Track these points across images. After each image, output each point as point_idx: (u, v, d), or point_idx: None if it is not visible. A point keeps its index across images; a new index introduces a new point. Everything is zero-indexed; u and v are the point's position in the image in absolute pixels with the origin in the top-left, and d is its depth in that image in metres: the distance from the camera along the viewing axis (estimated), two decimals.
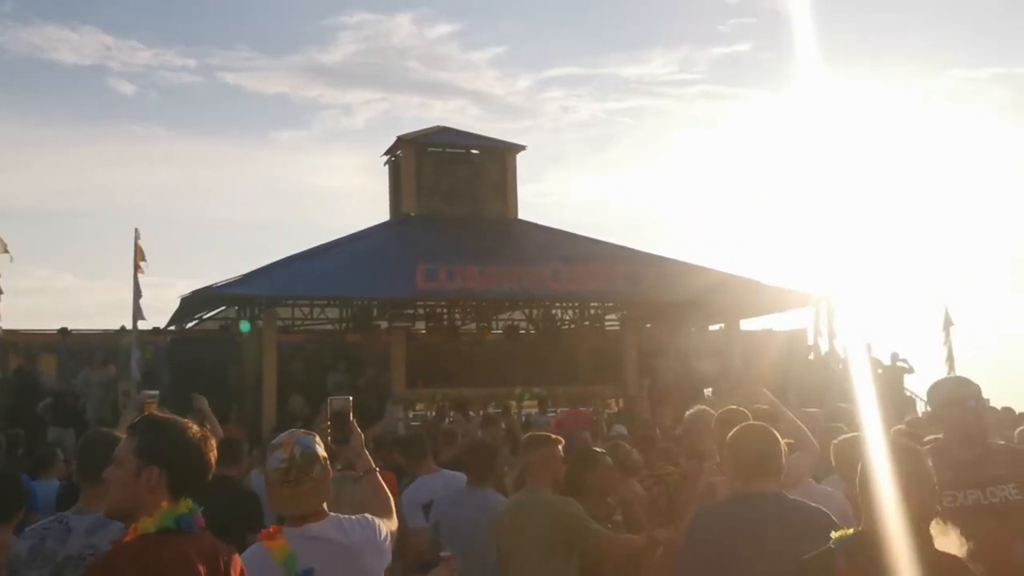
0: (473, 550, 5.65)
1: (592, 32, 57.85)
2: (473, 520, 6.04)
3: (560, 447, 5.65)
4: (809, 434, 5.74)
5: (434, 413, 18.08)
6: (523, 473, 5.81)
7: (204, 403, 7.90)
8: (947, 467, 4.67)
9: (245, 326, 19.90)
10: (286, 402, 17.96)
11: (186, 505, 2.98)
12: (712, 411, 5.98)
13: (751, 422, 4.54)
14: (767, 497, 3.98)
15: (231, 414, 17.29)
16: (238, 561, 3.13)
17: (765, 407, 5.76)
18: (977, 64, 56.97)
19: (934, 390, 4.97)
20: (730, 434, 4.25)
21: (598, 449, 6.29)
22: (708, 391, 19.60)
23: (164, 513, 2.92)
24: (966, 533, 4.20)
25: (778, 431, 4.35)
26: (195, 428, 3.14)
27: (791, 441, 4.84)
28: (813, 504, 4.07)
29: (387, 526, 3.80)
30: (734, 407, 5.51)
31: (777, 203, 51.05)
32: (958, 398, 4.75)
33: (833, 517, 3.94)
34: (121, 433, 4.69)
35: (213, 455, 3.11)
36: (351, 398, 4.16)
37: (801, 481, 5.36)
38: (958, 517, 4.51)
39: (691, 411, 6.44)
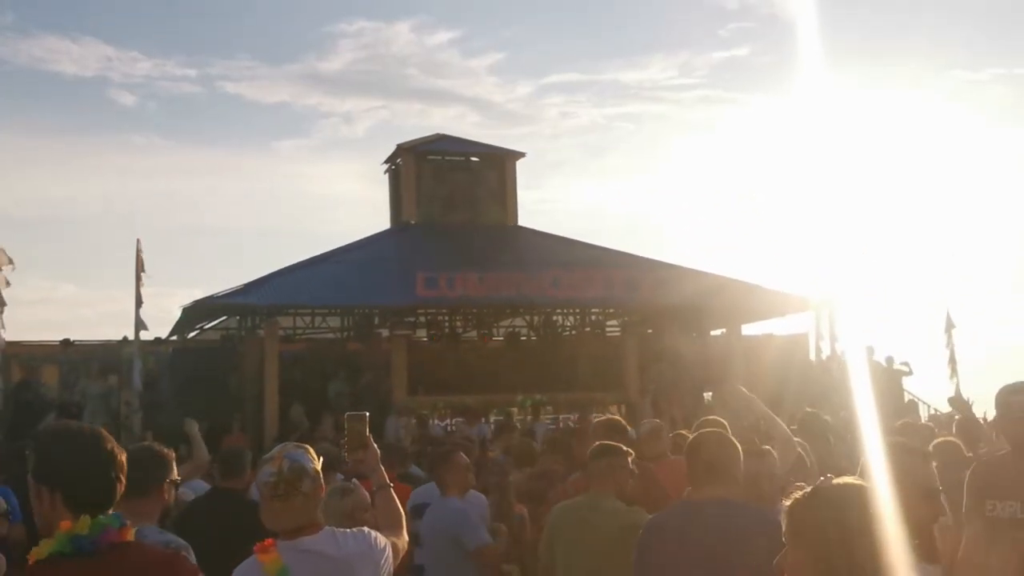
0: None
1: (591, 38, 58.00)
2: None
3: (630, 459, 5.63)
4: (787, 431, 5.80)
5: (415, 421, 17.66)
6: (591, 480, 5.77)
7: (194, 427, 7.95)
8: (1000, 476, 4.70)
9: None
10: (287, 412, 18.00)
11: (84, 524, 2.71)
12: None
13: (708, 430, 4.58)
14: (714, 503, 4.00)
15: (234, 424, 17.35)
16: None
17: (756, 421, 5.79)
18: (978, 65, 57.02)
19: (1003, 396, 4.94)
20: (688, 440, 4.31)
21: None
22: (708, 395, 19.60)
23: (59, 536, 2.70)
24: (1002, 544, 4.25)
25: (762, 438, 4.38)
26: (97, 437, 2.86)
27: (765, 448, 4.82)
28: (758, 508, 4.03)
29: (390, 540, 3.80)
30: (710, 418, 5.56)
31: (778, 207, 51.11)
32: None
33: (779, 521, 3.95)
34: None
35: (120, 466, 2.83)
36: (367, 413, 4.21)
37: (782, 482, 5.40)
38: (996, 528, 4.55)
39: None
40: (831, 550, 2.22)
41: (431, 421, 18.09)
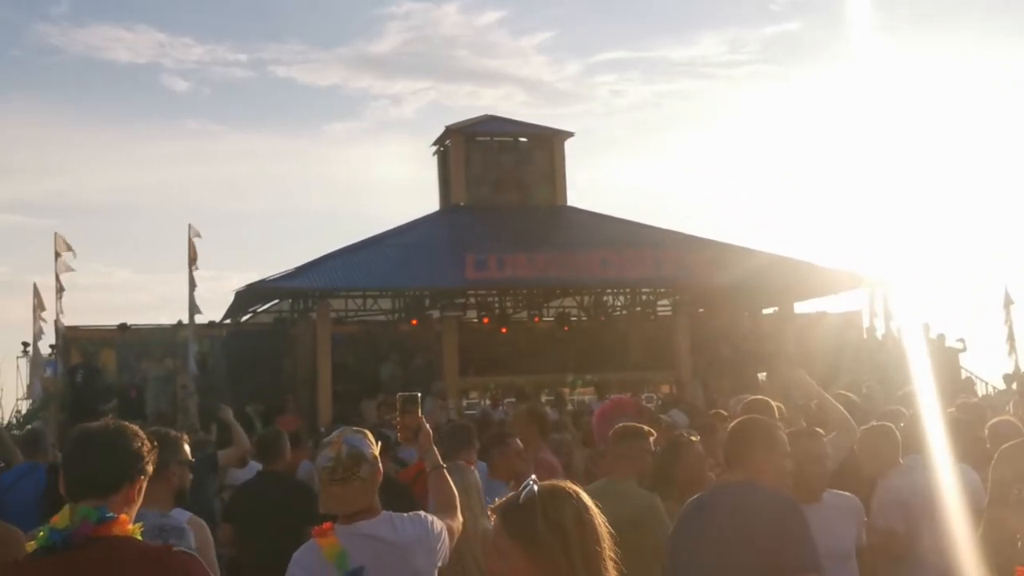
0: None
1: (641, 15, 57.47)
2: None
3: (652, 440, 5.59)
4: (848, 416, 5.73)
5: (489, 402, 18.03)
6: (610, 463, 5.75)
7: (228, 414, 8.03)
8: None
9: None
10: (356, 404, 17.94)
11: (64, 517, 2.66)
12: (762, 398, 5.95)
13: (748, 416, 4.53)
14: (735, 486, 3.99)
15: (288, 405, 17.54)
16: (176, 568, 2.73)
17: (808, 403, 5.74)
18: None
19: None
20: (731, 425, 4.31)
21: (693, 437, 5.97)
22: (762, 375, 19.45)
23: (46, 529, 2.66)
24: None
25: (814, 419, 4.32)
26: (95, 426, 2.84)
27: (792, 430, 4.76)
28: (771, 490, 3.97)
29: (446, 523, 3.81)
30: (758, 398, 5.50)
31: (830, 183, 50.44)
32: None
33: (791, 502, 3.90)
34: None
35: (97, 454, 2.75)
36: (420, 394, 4.22)
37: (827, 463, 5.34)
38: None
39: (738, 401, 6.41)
40: (550, 554, 2.22)
41: (484, 403, 18.16)
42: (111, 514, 2.67)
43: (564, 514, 2.28)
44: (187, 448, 4.46)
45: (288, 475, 7.06)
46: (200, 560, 2.85)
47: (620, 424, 5.94)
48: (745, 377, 18.69)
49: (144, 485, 2.85)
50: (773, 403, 5.71)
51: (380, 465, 3.68)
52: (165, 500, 4.20)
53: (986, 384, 21.25)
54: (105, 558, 2.63)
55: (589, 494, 5.12)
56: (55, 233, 17.03)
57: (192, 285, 16.88)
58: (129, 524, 2.72)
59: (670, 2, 57.98)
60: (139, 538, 2.73)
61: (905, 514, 5.35)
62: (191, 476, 4.53)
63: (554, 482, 2.39)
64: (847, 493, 4.91)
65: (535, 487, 2.35)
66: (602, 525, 2.35)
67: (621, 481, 5.42)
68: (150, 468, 2.85)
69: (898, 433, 5.78)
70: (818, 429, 5.07)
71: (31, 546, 2.67)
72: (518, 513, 2.31)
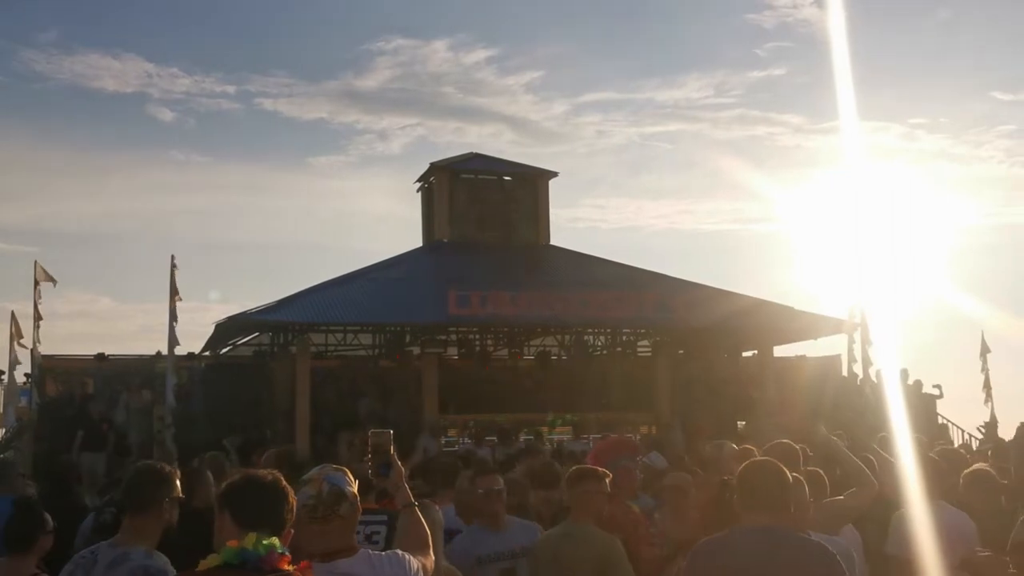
0: None
1: (628, 57, 58.05)
2: None
3: (607, 481, 5.60)
4: (867, 472, 5.68)
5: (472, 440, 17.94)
6: (568, 506, 5.73)
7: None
8: None
9: None
10: (332, 437, 17.84)
11: (251, 540, 2.99)
12: (733, 445, 5.96)
13: (762, 457, 4.52)
14: (771, 530, 3.96)
15: (267, 438, 17.41)
16: None
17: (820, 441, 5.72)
18: (1017, 87, 56.52)
19: None
20: (740, 468, 4.25)
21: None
22: (741, 424, 19.50)
23: (234, 548, 2.97)
24: None
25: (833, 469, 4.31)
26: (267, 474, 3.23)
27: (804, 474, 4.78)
28: (806, 538, 4.04)
29: (420, 562, 3.78)
30: (783, 442, 5.48)
31: (814, 228, 50.74)
32: None
33: (830, 549, 3.94)
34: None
35: (270, 498, 3.15)
36: (392, 431, 4.19)
37: (845, 518, 5.36)
38: None
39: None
40: None
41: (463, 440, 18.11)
42: (284, 550, 3.00)
43: None
44: (178, 484, 4.47)
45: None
46: None
47: (576, 467, 5.97)
48: (724, 421, 18.72)
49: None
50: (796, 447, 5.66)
51: (359, 503, 3.67)
52: (154, 535, 4.19)
53: (962, 432, 21.37)
54: None
55: (551, 537, 5.10)
56: (35, 262, 16.99)
57: (172, 316, 16.82)
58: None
59: (657, 45, 58.59)
60: None
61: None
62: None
63: None
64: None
65: None
66: None
67: (581, 523, 5.43)
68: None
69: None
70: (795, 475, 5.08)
71: (213, 559, 2.91)
72: None
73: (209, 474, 6.75)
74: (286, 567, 2.99)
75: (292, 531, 3.15)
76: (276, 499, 3.13)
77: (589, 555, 5.31)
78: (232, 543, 2.95)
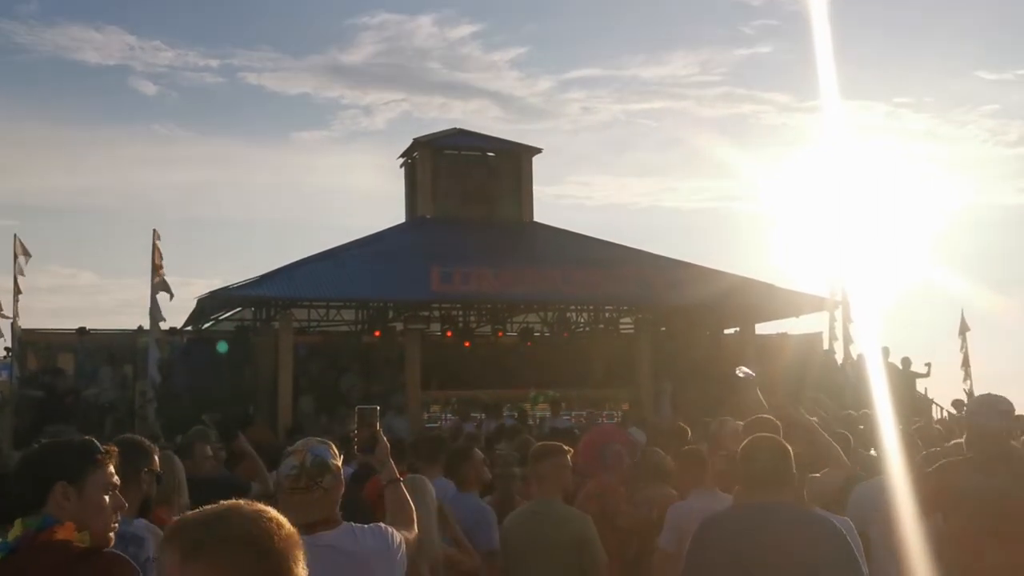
0: None
1: (613, 33, 57.78)
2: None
3: (569, 456, 5.65)
4: (840, 451, 5.70)
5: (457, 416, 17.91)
6: (534, 483, 5.79)
7: (243, 442, 7.97)
8: None
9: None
10: (317, 415, 17.96)
11: (17, 528, 2.90)
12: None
13: (762, 434, 4.54)
14: (780, 506, 4.00)
15: (255, 416, 17.40)
16: None
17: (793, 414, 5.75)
18: (1003, 66, 56.68)
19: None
20: (741, 445, 4.27)
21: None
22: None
23: None
24: None
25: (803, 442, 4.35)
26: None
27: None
28: (823, 513, 4.10)
29: (404, 536, 3.81)
30: (763, 416, 5.52)
31: (797, 205, 50.87)
32: None
33: (838, 526, 4.00)
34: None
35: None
36: (378, 407, 4.22)
37: (826, 496, 5.41)
38: None
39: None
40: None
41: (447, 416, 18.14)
42: (56, 521, 2.90)
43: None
44: (157, 459, 4.46)
45: (237, 482, 7.02)
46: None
47: (540, 443, 6.02)
48: (709, 398, 18.78)
49: None
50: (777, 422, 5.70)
51: (342, 476, 3.69)
52: (132, 506, 4.20)
53: (941, 408, 21.56)
54: (42, 561, 2.83)
55: (523, 515, 5.12)
56: (15, 235, 16.86)
57: (156, 290, 16.74)
58: (67, 529, 2.92)
59: (643, 22, 58.40)
60: None
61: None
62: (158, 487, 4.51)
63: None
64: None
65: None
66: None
67: (549, 498, 5.50)
68: None
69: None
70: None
71: None
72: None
73: (205, 446, 6.94)
74: (54, 537, 2.86)
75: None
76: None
77: (565, 538, 5.39)
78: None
